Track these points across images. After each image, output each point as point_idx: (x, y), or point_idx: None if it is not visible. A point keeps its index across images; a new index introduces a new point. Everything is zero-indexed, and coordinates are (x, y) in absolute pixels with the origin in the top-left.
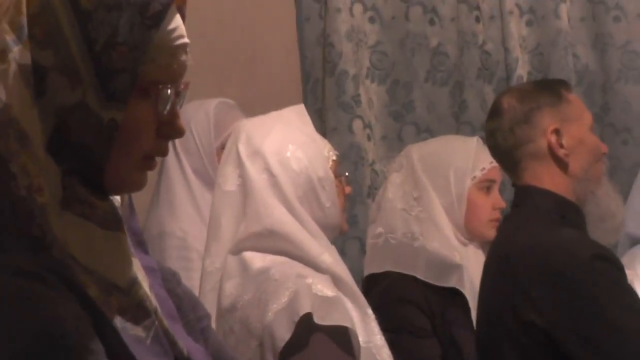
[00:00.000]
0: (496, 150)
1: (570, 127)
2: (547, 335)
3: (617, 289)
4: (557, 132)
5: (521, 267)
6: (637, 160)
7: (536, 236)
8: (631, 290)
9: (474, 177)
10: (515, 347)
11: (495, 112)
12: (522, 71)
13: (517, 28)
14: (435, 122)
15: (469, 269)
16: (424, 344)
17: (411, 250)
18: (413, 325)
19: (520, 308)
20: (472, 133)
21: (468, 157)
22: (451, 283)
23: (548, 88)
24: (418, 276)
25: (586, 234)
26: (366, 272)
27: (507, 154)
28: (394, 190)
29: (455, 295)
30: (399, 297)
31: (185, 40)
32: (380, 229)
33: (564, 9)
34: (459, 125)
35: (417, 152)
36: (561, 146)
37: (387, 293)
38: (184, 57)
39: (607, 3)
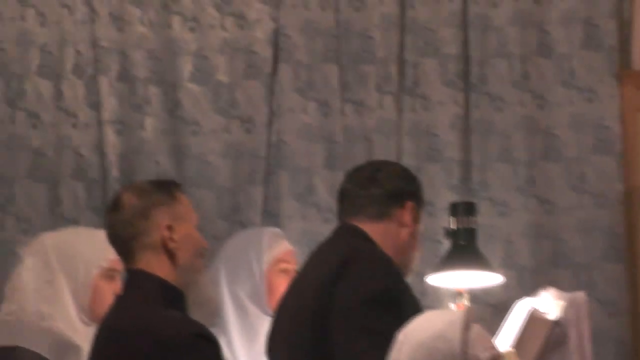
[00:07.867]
0: (114, 239)
1: (181, 224)
2: None
3: None
4: (169, 227)
5: (130, 343)
6: None
7: (145, 315)
8: None
9: (100, 266)
10: None
11: (116, 206)
12: (114, 173)
13: (108, 136)
14: (35, 214)
15: (87, 349)
16: None
17: (39, 329)
18: None
19: None
20: (65, 224)
21: (95, 249)
22: None
23: (164, 188)
24: (43, 354)
25: (188, 316)
26: None
27: (124, 243)
28: (27, 272)
29: None
30: None
31: None
32: (14, 307)
33: (148, 121)
34: (55, 217)
35: (51, 240)
36: (172, 240)
37: None
38: None
39: (186, 119)
